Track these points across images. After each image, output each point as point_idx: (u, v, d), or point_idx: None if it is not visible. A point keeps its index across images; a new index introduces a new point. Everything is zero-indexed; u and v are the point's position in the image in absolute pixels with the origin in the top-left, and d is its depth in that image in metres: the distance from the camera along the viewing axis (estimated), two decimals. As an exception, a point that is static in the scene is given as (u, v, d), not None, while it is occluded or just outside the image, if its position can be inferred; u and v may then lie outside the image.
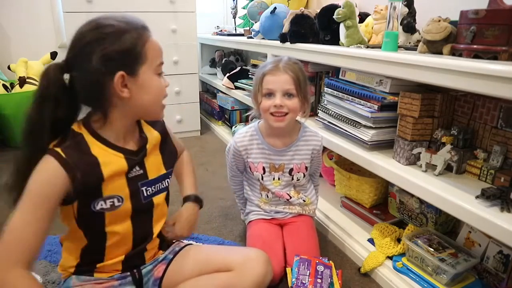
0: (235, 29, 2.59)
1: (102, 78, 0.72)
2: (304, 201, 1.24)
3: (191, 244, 1.02)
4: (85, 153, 0.77)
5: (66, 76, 0.75)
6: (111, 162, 0.79)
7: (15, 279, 0.69)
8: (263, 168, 1.19)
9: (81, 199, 0.77)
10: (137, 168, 0.85)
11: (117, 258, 0.86)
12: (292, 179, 1.20)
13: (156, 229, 0.93)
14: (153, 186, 0.89)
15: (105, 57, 0.71)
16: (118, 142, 0.82)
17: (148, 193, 0.87)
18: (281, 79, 1.08)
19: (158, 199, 0.91)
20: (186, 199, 1.05)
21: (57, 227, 1.55)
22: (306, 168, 1.20)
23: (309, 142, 1.19)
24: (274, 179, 1.20)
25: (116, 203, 0.81)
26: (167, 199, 0.96)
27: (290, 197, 1.21)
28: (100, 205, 0.79)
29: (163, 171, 0.92)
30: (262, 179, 1.20)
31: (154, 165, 0.89)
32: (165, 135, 0.95)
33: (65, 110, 0.75)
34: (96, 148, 0.78)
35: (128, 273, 0.89)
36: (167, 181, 0.94)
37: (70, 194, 0.75)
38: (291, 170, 1.19)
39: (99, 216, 0.80)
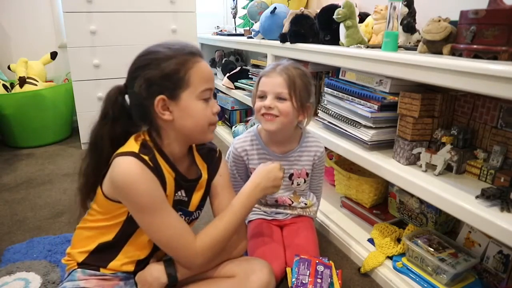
0: (235, 29, 2.59)
1: (145, 100, 0.79)
2: (305, 204, 1.23)
3: None
4: (160, 170, 0.82)
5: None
6: (169, 183, 0.84)
7: (201, 242, 0.83)
8: None
9: None
10: (184, 193, 0.90)
11: (130, 259, 0.87)
12: (292, 183, 1.19)
13: None
14: (187, 217, 0.93)
15: (147, 81, 0.78)
16: (173, 161, 0.86)
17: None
18: (275, 81, 1.05)
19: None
20: None
21: (57, 227, 1.54)
22: (307, 174, 1.19)
23: (310, 149, 1.17)
24: None
25: None
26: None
27: (292, 202, 1.21)
28: None
29: (199, 202, 0.96)
30: None
31: (197, 199, 0.94)
32: (212, 176, 0.97)
33: (122, 126, 0.84)
34: (162, 166, 0.83)
35: (132, 275, 0.88)
36: (198, 212, 0.97)
37: None
38: (291, 175, 1.18)
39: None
